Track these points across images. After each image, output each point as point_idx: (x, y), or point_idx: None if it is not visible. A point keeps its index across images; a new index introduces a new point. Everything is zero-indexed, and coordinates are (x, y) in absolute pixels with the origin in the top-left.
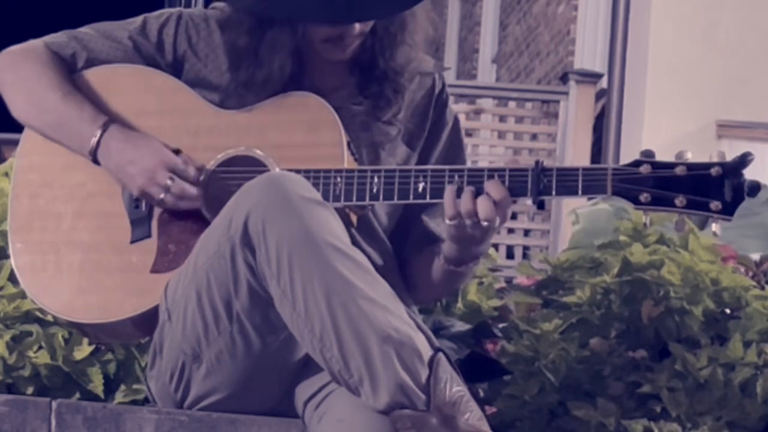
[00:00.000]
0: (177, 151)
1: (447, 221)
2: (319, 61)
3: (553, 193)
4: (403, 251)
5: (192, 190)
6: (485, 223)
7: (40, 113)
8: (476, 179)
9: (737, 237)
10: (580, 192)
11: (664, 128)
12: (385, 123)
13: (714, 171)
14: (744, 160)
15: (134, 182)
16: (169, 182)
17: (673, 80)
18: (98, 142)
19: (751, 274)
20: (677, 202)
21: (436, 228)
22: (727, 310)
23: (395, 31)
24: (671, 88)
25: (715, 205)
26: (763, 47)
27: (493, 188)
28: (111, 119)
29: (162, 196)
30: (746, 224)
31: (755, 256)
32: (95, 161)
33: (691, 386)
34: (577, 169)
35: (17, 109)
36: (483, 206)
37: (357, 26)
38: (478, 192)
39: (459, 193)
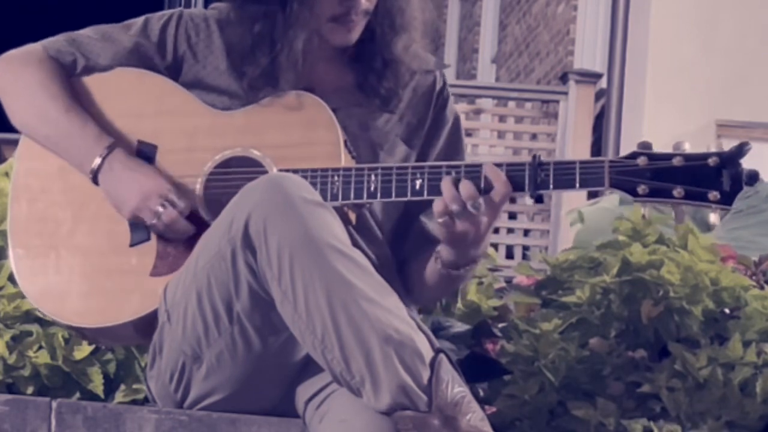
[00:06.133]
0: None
1: (437, 218)
2: (319, 61)
3: (551, 186)
4: (402, 253)
5: (181, 222)
6: (469, 203)
7: (40, 124)
8: (473, 175)
9: (751, 237)
10: (577, 185)
11: (664, 128)
12: (387, 112)
13: (711, 161)
14: (741, 149)
15: (128, 205)
16: (160, 209)
17: (673, 80)
18: (102, 163)
19: (750, 273)
20: (675, 193)
21: (435, 229)
22: (727, 310)
23: (393, 18)
24: (671, 88)
25: (713, 195)
26: (763, 47)
27: (491, 172)
28: (115, 142)
29: (153, 221)
30: (755, 223)
31: None
32: (94, 180)
33: (691, 386)
34: (574, 163)
35: (16, 117)
36: (466, 187)
37: (363, 2)
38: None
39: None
